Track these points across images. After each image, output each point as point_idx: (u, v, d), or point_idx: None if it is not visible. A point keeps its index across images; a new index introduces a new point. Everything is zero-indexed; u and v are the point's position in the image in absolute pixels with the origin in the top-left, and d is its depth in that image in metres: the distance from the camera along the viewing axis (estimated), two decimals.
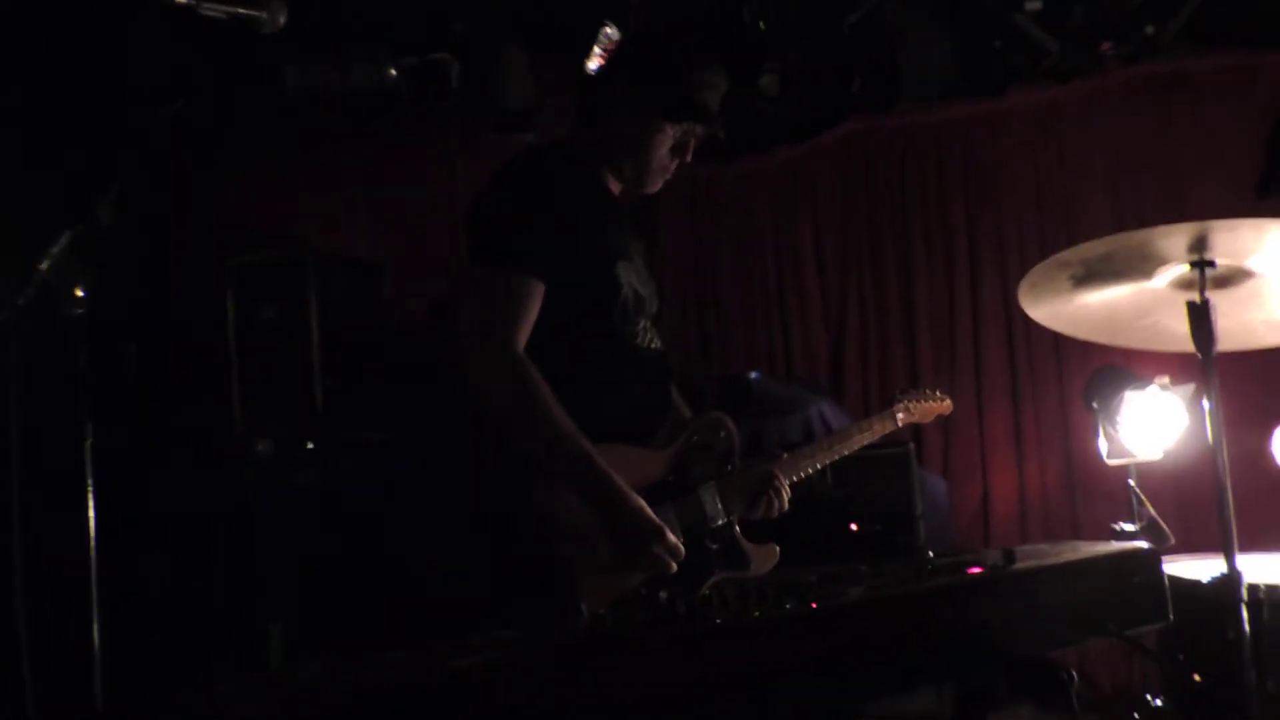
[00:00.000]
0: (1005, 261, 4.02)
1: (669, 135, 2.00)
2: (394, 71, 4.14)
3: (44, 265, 1.67)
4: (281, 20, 1.76)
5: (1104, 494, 3.62)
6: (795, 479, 2.11)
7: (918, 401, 2.46)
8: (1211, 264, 1.97)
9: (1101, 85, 3.96)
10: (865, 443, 2.29)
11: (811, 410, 3.54)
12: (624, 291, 1.95)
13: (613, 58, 2.13)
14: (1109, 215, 3.92)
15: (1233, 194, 3.71)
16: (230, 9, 1.67)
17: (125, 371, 4.12)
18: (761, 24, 4.04)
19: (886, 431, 2.38)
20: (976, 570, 1.22)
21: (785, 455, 2.12)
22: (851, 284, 4.20)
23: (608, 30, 3.81)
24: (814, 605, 1.09)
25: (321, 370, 3.88)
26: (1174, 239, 1.92)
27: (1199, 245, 1.93)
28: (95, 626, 2.03)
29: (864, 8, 4.08)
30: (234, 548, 3.43)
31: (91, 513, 1.93)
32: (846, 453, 2.23)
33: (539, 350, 1.85)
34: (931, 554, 1.33)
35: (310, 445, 3.61)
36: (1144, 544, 1.37)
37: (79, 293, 1.77)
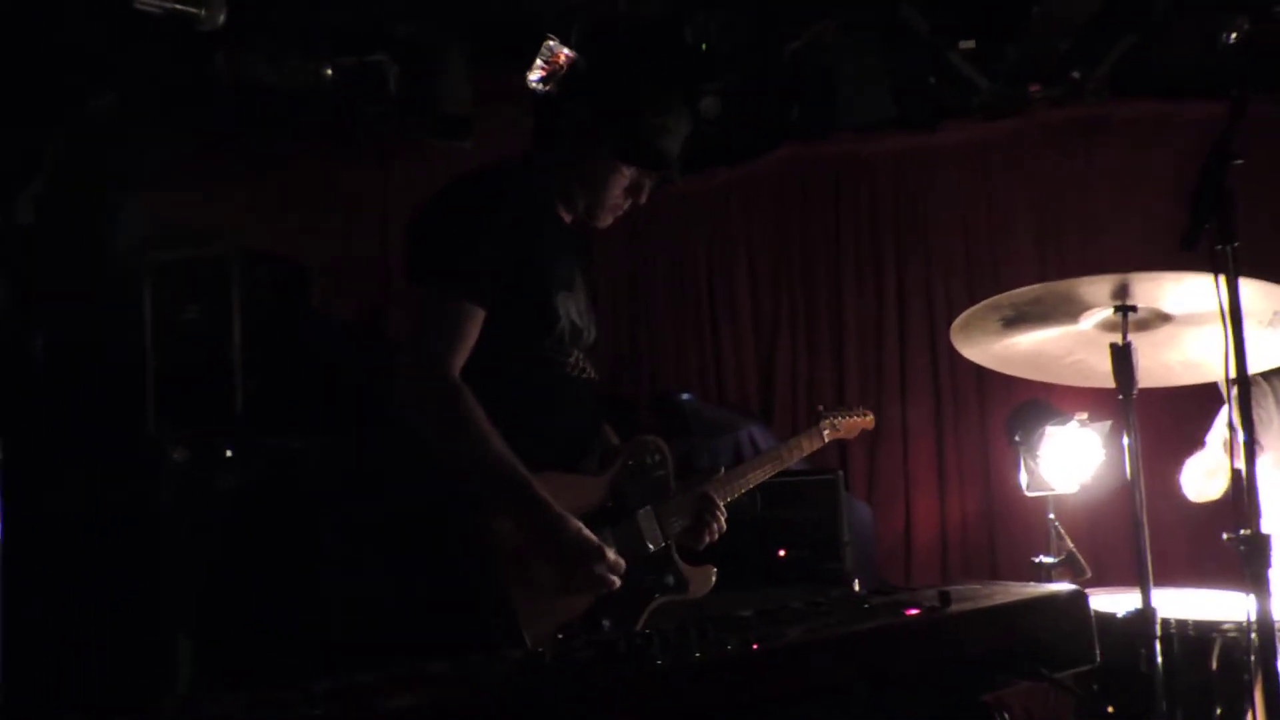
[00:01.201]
0: (932, 292, 4.11)
1: (625, 176, 1.98)
2: (329, 70, 4.08)
3: None
4: (221, 19, 1.71)
5: (1022, 525, 3.72)
6: (729, 499, 2.12)
7: (842, 417, 2.51)
8: (1133, 309, 2.05)
9: (1029, 125, 4.09)
10: (795, 460, 2.32)
11: (742, 433, 3.57)
12: (561, 323, 1.94)
13: (574, 84, 2.09)
14: (1033, 249, 4.05)
15: (1148, 234, 3.85)
16: (167, 4, 1.62)
17: (32, 368, 3.96)
18: (704, 45, 4.07)
19: (815, 448, 2.41)
20: (914, 612, 1.24)
21: (720, 475, 2.13)
22: (783, 308, 4.26)
23: (550, 43, 3.80)
24: (755, 646, 1.09)
25: (242, 373, 3.78)
26: (1099, 286, 1.99)
27: (1121, 292, 2.01)
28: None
29: (805, 36, 4.16)
30: (145, 558, 3.31)
31: None
32: (776, 471, 2.26)
33: (472, 375, 1.83)
34: (865, 591, 1.35)
35: (229, 453, 3.50)
36: (1073, 587, 1.41)
37: None
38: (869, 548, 3.55)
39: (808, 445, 2.39)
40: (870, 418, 2.59)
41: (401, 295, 1.90)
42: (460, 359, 1.82)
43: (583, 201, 2.02)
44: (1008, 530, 3.84)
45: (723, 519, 2.07)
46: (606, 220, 2.05)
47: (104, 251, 4.05)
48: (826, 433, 2.46)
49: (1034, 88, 4.07)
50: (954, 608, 1.25)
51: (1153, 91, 3.96)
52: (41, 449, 3.50)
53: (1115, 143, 3.99)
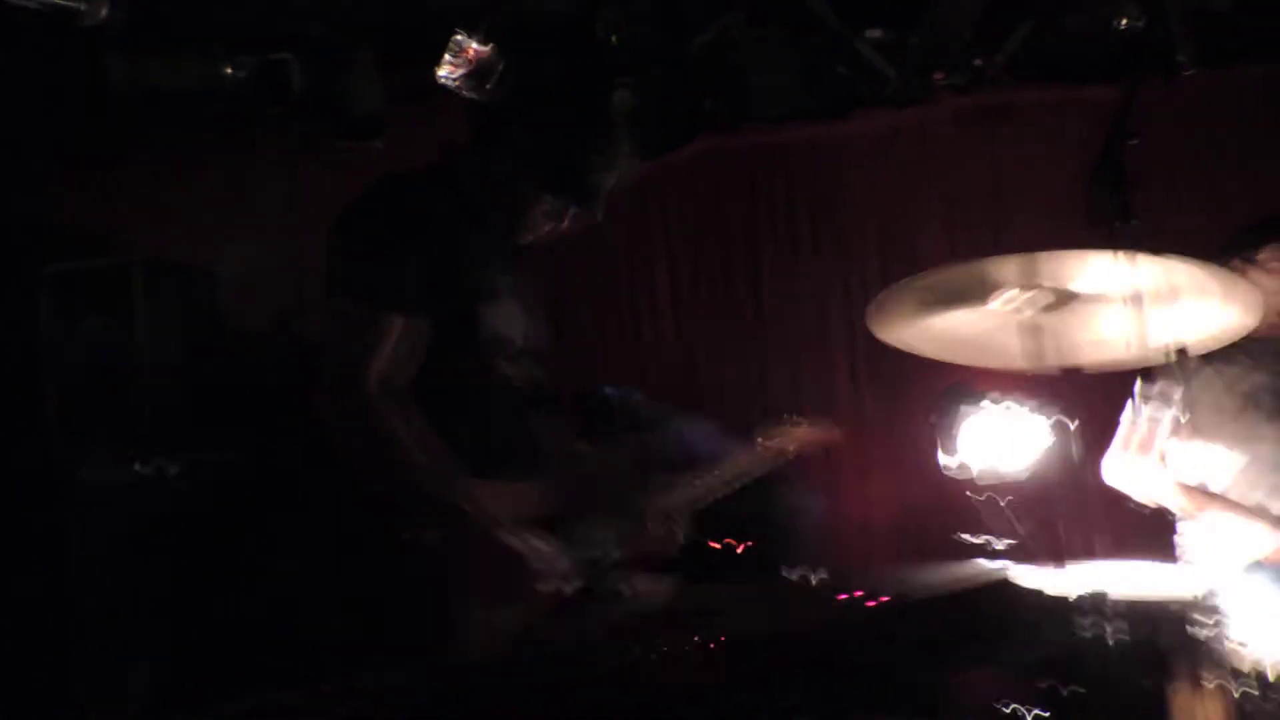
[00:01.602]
0: (849, 279, 4.17)
1: (546, 200, 1.94)
2: (230, 70, 3.95)
3: None
4: (103, 13, 1.63)
5: (954, 507, 3.78)
6: (681, 512, 2.10)
7: (785, 427, 2.52)
8: (1039, 287, 2.10)
9: (935, 113, 4.17)
10: (740, 472, 2.30)
11: (671, 426, 3.56)
12: (482, 334, 1.90)
13: (506, 92, 2.01)
14: (944, 234, 4.13)
15: (1051, 215, 3.95)
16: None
17: None
18: (614, 38, 4.06)
19: (759, 463, 2.40)
20: (858, 598, 1.25)
21: (676, 488, 2.11)
22: (703, 300, 4.27)
23: (458, 38, 3.74)
24: (722, 638, 1.08)
25: (151, 387, 3.66)
26: (1006, 267, 2.03)
27: (1029, 271, 2.06)
28: None
29: (714, 29, 4.17)
30: (58, 579, 3.18)
31: None
32: (727, 489, 2.24)
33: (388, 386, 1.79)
34: (818, 580, 1.35)
35: (139, 467, 3.38)
36: (1005, 568, 1.43)
37: None
38: (812, 537, 3.58)
39: (756, 460, 2.42)
40: (832, 431, 2.59)
41: (323, 306, 1.84)
42: (378, 370, 1.77)
43: (500, 219, 1.98)
44: (940, 513, 3.89)
45: (680, 531, 2.04)
46: (524, 240, 2.02)
47: None
48: (774, 443, 2.48)
49: (938, 76, 4.15)
50: (891, 596, 1.27)
51: (1052, 76, 4.07)
52: None
53: (1018, 127, 4.10)
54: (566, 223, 2.00)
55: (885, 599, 1.25)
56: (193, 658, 2.99)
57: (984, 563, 1.51)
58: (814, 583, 1.42)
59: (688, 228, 4.34)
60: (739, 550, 3.05)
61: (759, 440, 2.41)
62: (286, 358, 4.04)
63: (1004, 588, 1.38)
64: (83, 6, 1.68)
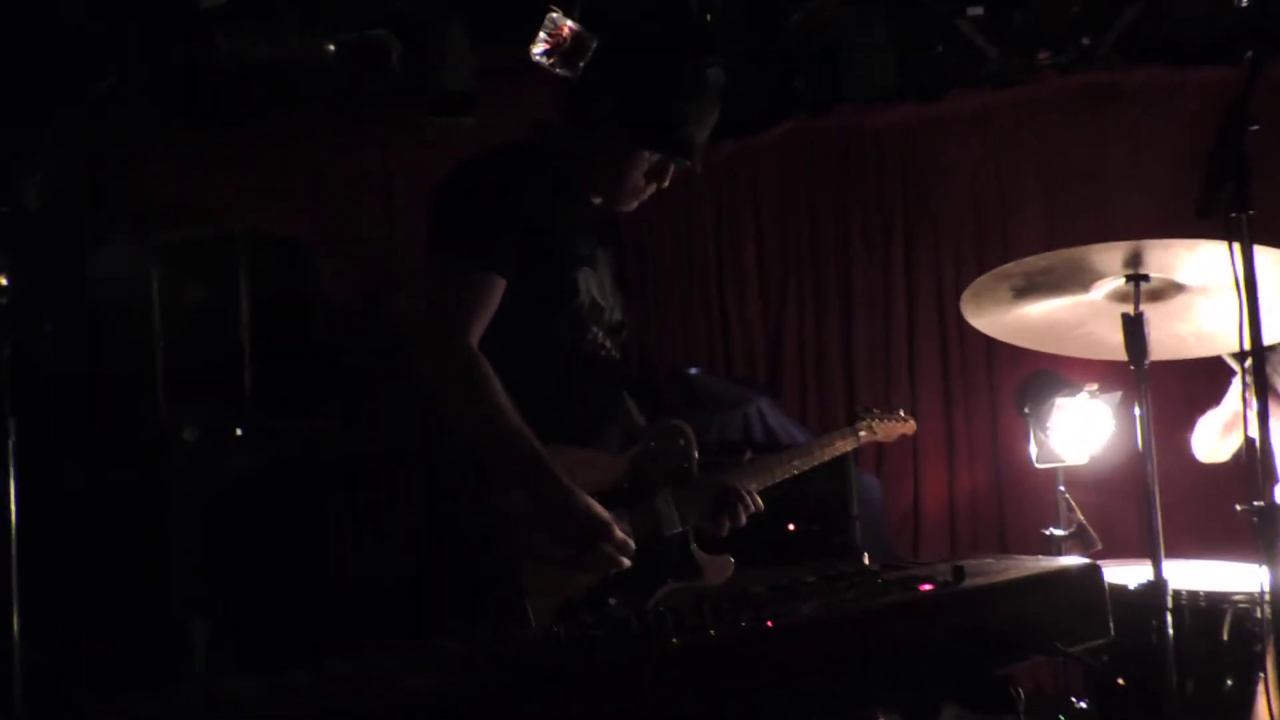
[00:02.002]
0: (941, 263, 4.09)
1: (645, 160, 1.94)
2: (331, 46, 4.04)
3: None
4: None
5: (1032, 497, 3.71)
6: (756, 489, 2.08)
7: (881, 420, 2.42)
8: (1146, 278, 2.03)
9: (1037, 93, 4.04)
10: (827, 458, 2.28)
11: (750, 407, 3.56)
12: (580, 298, 1.92)
13: (596, 65, 2.03)
14: (1042, 219, 4.01)
15: (1157, 202, 3.82)
16: None
17: (42, 352, 3.96)
18: (709, 16, 4.03)
19: (848, 449, 2.37)
20: (928, 587, 1.23)
21: (745, 464, 2.10)
22: (790, 280, 4.23)
23: (553, 15, 3.76)
24: (769, 623, 1.08)
25: (250, 354, 3.78)
26: (1111, 255, 1.97)
27: (1134, 261, 1.99)
28: (15, 622, 1.96)
29: (808, 7, 4.11)
30: (156, 540, 3.32)
31: (13, 508, 1.85)
32: (806, 468, 2.21)
33: (489, 347, 1.82)
34: (877, 566, 1.34)
35: (239, 432, 3.51)
36: (1087, 560, 1.40)
37: (2, 281, 1.67)
38: (878, 522, 3.55)
39: (841, 445, 2.33)
40: (912, 424, 2.50)
41: (422, 265, 1.89)
42: (479, 328, 1.82)
43: (602, 186, 2.00)
44: (1017, 502, 3.83)
45: (749, 508, 2.04)
46: (629, 204, 2.03)
47: (109, 234, 4.05)
48: (863, 434, 2.38)
49: (1043, 55, 4.02)
50: (967, 583, 1.25)
51: (1163, 57, 3.91)
52: (54, 432, 3.51)
53: (1125, 109, 3.95)
54: (667, 180, 1.99)
55: (957, 584, 1.23)
56: (277, 620, 3.10)
57: (1062, 554, 1.46)
58: (888, 568, 1.41)
59: (777, 209, 4.29)
60: (800, 533, 3.03)
61: (846, 428, 2.37)
62: (379, 328, 4.14)
63: (1082, 578, 1.35)
64: None
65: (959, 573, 1.25)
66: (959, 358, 3.97)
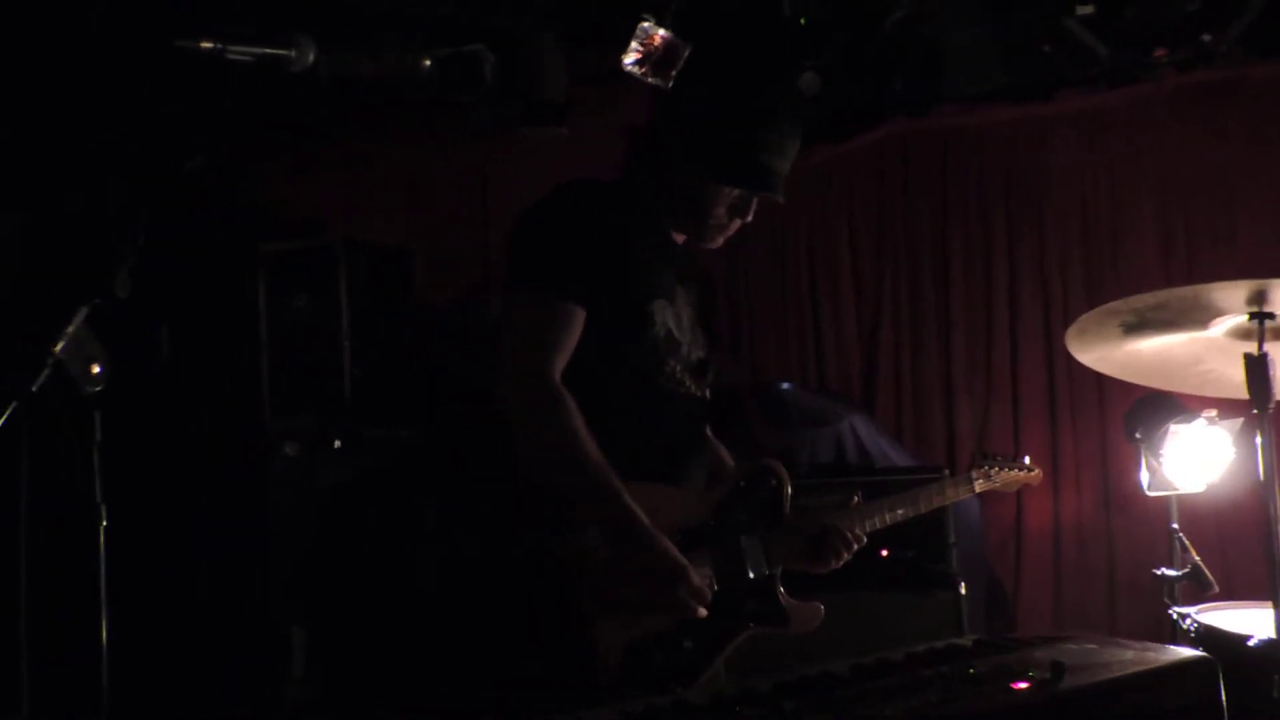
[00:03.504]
0: (1047, 275, 3.91)
1: (727, 195, 1.91)
2: (427, 62, 4.10)
3: (59, 346, 1.63)
4: (311, 58, 1.70)
5: (1142, 526, 3.54)
6: (857, 533, 2.02)
7: (1001, 468, 2.27)
8: (1271, 316, 1.90)
9: (1153, 93, 3.83)
10: (936, 506, 2.17)
11: (844, 424, 3.48)
12: (655, 330, 1.90)
13: (670, 95, 2.02)
14: (1155, 229, 3.81)
15: None
16: (258, 50, 1.62)
17: (156, 356, 4.13)
18: (802, 19, 3.94)
19: (960, 499, 2.28)
20: (1022, 686, 1.16)
21: (852, 507, 2.04)
22: (886, 293, 4.12)
23: (645, 25, 3.73)
24: None
25: (350, 360, 3.86)
26: (1233, 292, 1.85)
27: (1258, 299, 1.87)
28: (104, 628, 2.02)
29: (907, 5, 3.98)
30: (257, 548, 3.43)
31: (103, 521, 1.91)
32: (912, 514, 2.12)
33: (566, 378, 1.82)
34: (970, 643, 1.26)
35: (337, 444, 3.59)
36: (1204, 655, 1.31)
37: (95, 369, 1.73)
38: (977, 544, 3.44)
39: (952, 494, 2.23)
40: (1038, 474, 2.34)
41: (504, 295, 1.89)
42: (562, 360, 1.81)
43: (685, 222, 1.98)
44: (1126, 531, 3.66)
45: (850, 548, 1.98)
46: (714, 241, 2.00)
47: (216, 243, 4.18)
48: (979, 483, 2.25)
49: (1159, 52, 3.81)
50: (1067, 682, 1.17)
51: None
52: (159, 440, 3.65)
53: (1249, 111, 3.71)
54: (750, 214, 1.96)
55: (1056, 682, 1.14)
56: (373, 630, 3.17)
57: (1188, 651, 1.36)
58: (981, 647, 1.33)
59: (873, 216, 4.17)
60: (895, 559, 2.94)
61: (971, 473, 2.26)
62: (476, 335, 4.19)
63: (1196, 675, 1.24)
64: (292, 54, 1.75)
65: (1059, 671, 1.18)
66: (1066, 376, 3.80)
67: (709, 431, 2.12)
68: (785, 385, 3.70)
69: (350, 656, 3.16)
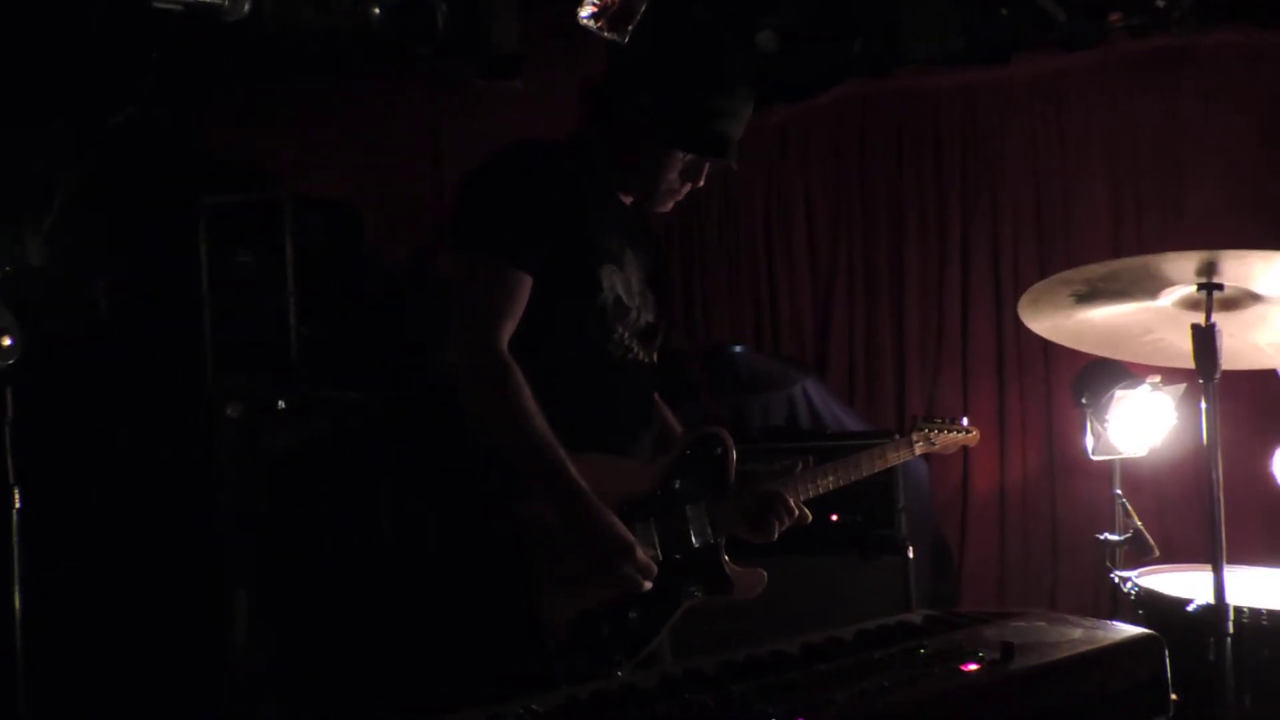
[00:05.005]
0: (999, 238, 3.93)
1: (679, 160, 1.88)
2: (377, 10, 3.98)
3: None
4: (246, 8, 1.63)
5: (1085, 489, 3.60)
6: (801, 499, 2.02)
7: (939, 430, 2.28)
8: (1219, 287, 1.92)
9: (1107, 58, 3.84)
10: (878, 469, 2.18)
11: (796, 388, 3.48)
12: (603, 296, 1.86)
13: (625, 57, 1.97)
14: (1107, 194, 3.84)
15: (1231, 179, 3.64)
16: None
17: (94, 312, 4.01)
18: None
19: (902, 460, 2.28)
20: (972, 667, 1.16)
21: (796, 474, 2.03)
22: (841, 253, 4.10)
23: None
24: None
25: (297, 319, 3.78)
26: (1182, 263, 1.86)
27: (1207, 270, 1.88)
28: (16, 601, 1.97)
29: None
30: (199, 510, 3.37)
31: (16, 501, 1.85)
32: (854, 479, 2.13)
33: (512, 347, 1.79)
34: (919, 619, 1.27)
35: (282, 405, 3.52)
36: (1151, 633, 1.32)
37: (6, 342, 1.65)
38: (925, 505, 3.48)
39: (893, 457, 2.23)
40: (975, 434, 2.35)
41: (451, 260, 1.84)
42: (509, 328, 1.78)
43: (635, 185, 1.94)
44: (1070, 493, 3.72)
45: (793, 516, 1.97)
46: (664, 205, 1.97)
47: (156, 195, 4.05)
48: (919, 445, 2.26)
49: (1114, 17, 3.82)
50: (1017, 663, 1.18)
51: (1245, 18, 3.68)
52: (100, 404, 3.56)
53: (1200, 75, 3.74)
54: (703, 179, 1.93)
55: (1006, 664, 1.14)
56: (320, 595, 3.13)
57: (1135, 629, 1.38)
58: (932, 624, 1.33)
59: (829, 177, 4.15)
60: (845, 523, 2.95)
61: (911, 436, 2.25)
62: (428, 293, 4.11)
63: (1144, 653, 1.26)
64: (225, 4, 1.67)
65: (1008, 651, 1.18)
66: (1014, 339, 3.83)
67: (658, 397, 2.10)
68: (738, 348, 3.69)
69: (295, 623, 3.12)
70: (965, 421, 2.33)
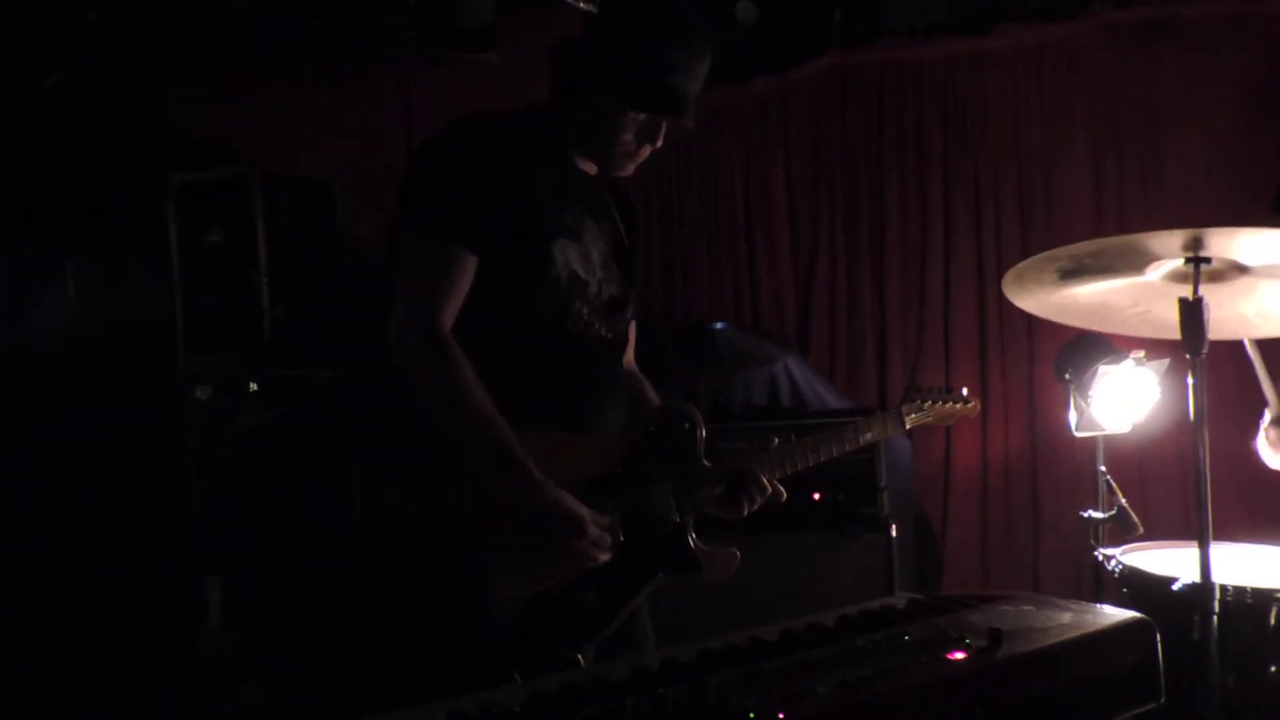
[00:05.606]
0: (981, 208, 3.90)
1: (634, 120, 1.81)
2: None
3: None
4: None
5: (1068, 465, 3.59)
6: (777, 476, 1.95)
7: (935, 401, 2.17)
8: (1207, 260, 1.88)
9: (1090, 28, 3.80)
10: (862, 444, 2.09)
11: (778, 365, 3.44)
12: (555, 272, 1.80)
13: (587, 23, 1.91)
14: (1088, 167, 3.81)
15: (1213, 149, 3.61)
16: None
17: (62, 292, 3.93)
18: None
19: (891, 435, 2.21)
20: (959, 656, 1.12)
21: (770, 450, 1.97)
22: (823, 227, 4.06)
23: None
24: (780, 715, 0.98)
25: (270, 298, 3.71)
26: (1169, 239, 1.83)
27: (1194, 244, 1.84)
28: None
29: None
30: (171, 493, 3.30)
31: None
32: (839, 454, 2.05)
33: (462, 328, 1.74)
34: (903, 603, 1.23)
35: (254, 386, 3.46)
36: (1142, 617, 1.29)
37: None
38: (906, 483, 3.45)
39: (880, 431, 2.13)
40: (975, 404, 2.23)
41: (393, 242, 1.79)
42: (451, 309, 1.73)
43: (592, 150, 1.88)
44: (1052, 470, 3.71)
45: (765, 492, 1.92)
46: (624, 168, 1.91)
47: (125, 172, 3.97)
48: (911, 418, 2.15)
49: None
50: (1005, 650, 1.14)
51: None
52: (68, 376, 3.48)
53: (1182, 46, 3.70)
54: (660, 139, 1.86)
55: (993, 651, 1.10)
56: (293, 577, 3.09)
57: (1125, 613, 1.34)
58: (915, 608, 1.29)
59: (810, 149, 4.10)
60: (826, 502, 2.92)
61: (900, 409, 2.14)
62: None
63: (1134, 637, 1.22)
64: None
65: (995, 638, 1.14)
66: (996, 314, 3.80)
67: (639, 372, 2.05)
68: (719, 325, 3.65)
69: (269, 608, 3.07)
70: (965, 392, 2.22)
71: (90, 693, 3.05)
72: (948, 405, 2.22)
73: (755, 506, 1.93)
